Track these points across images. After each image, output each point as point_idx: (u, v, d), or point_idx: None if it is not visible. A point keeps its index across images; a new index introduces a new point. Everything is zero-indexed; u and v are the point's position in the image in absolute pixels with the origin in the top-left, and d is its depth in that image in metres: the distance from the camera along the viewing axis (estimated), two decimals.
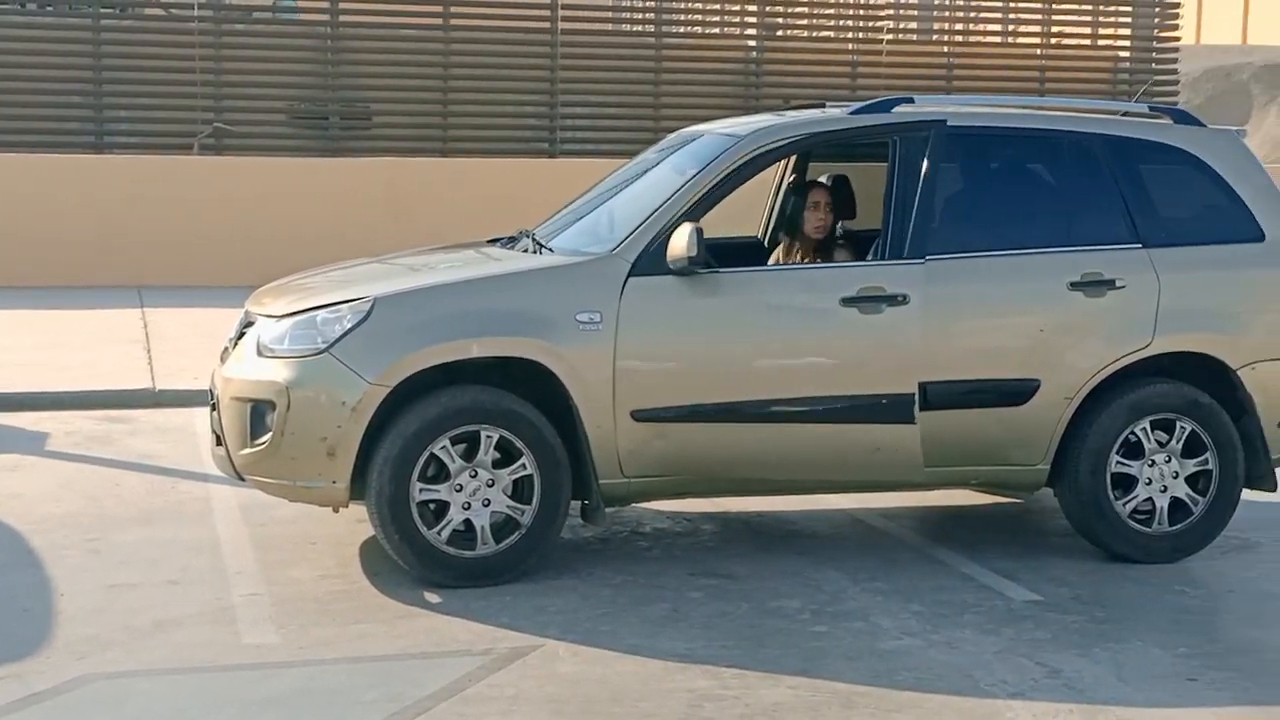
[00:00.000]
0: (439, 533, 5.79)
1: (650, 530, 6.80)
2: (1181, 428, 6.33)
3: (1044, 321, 6.25)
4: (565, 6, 17.68)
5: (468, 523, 5.82)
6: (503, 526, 5.87)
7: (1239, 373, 6.38)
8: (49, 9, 17.25)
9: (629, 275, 5.93)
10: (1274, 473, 6.53)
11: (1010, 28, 20.21)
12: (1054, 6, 19.51)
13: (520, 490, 5.86)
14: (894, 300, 6.08)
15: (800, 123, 6.53)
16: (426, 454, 5.74)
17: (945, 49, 19.49)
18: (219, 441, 6.11)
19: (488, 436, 5.79)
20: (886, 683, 4.94)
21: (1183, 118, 6.83)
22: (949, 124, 6.37)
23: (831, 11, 19.31)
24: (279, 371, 5.80)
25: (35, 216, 14.64)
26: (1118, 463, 6.29)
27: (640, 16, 20.25)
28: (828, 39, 19.24)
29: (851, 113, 6.55)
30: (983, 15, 20.36)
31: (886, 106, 6.49)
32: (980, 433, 6.21)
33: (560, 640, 5.28)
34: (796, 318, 6.15)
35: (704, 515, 7.03)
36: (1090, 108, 7.61)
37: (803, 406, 6.02)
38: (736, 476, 6.19)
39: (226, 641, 5.26)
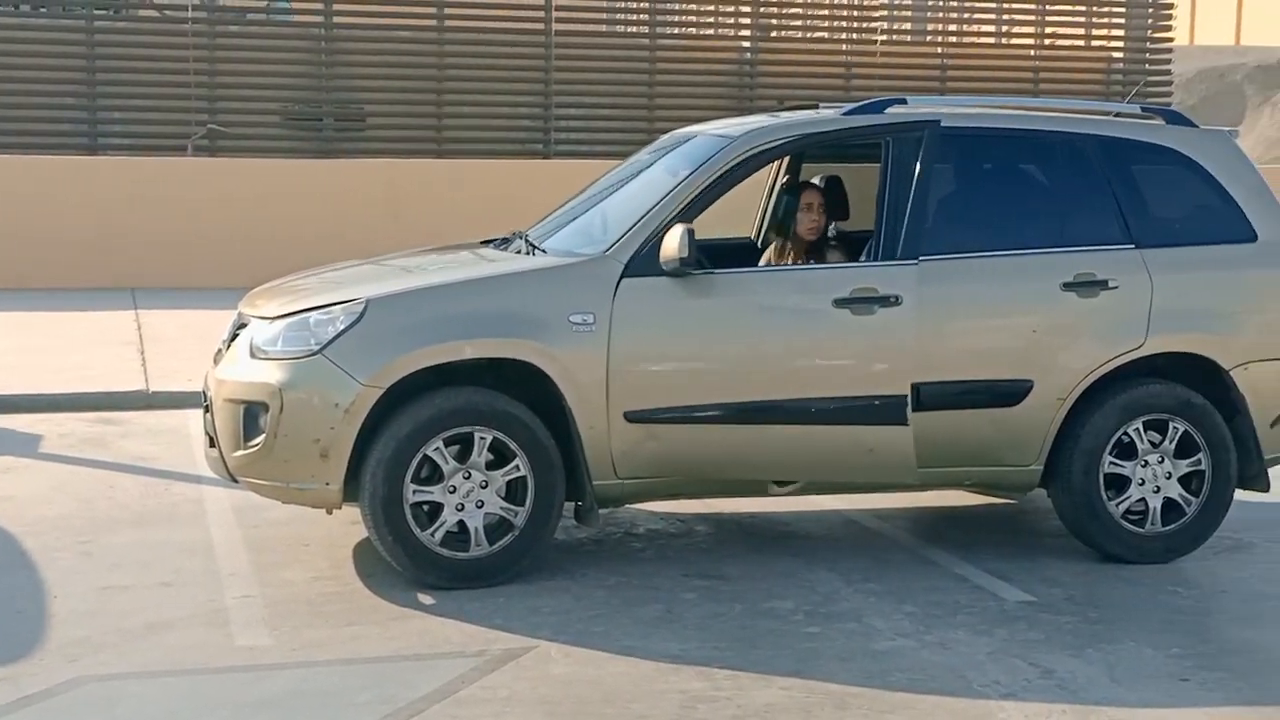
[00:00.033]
0: (432, 534, 5.79)
1: (644, 531, 6.80)
2: (1174, 428, 6.33)
3: (1037, 322, 6.25)
4: (559, 8, 17.70)
5: (461, 524, 5.82)
6: (496, 528, 5.86)
7: (1232, 373, 6.38)
8: (43, 10, 17.24)
9: (622, 276, 5.93)
10: (1267, 473, 6.54)
11: (1004, 29, 20.26)
12: (1048, 7, 19.54)
13: (514, 492, 5.86)
14: (887, 301, 6.08)
15: (794, 124, 6.53)
16: (420, 455, 5.73)
17: (939, 50, 19.52)
18: (212, 443, 6.10)
19: (481, 438, 5.79)
20: (879, 683, 4.94)
21: (1175, 118, 6.84)
22: (942, 125, 6.37)
23: (825, 12, 19.34)
24: (272, 373, 5.80)
25: (32, 217, 14.55)
26: (1111, 463, 6.30)
27: (634, 18, 20.26)
28: (822, 40, 19.27)
29: (845, 114, 6.55)
30: (976, 16, 20.39)
31: (880, 107, 6.49)
32: (973, 433, 6.21)
33: (553, 641, 5.28)
34: (789, 319, 6.15)
35: (697, 516, 7.03)
36: (1083, 108, 7.60)
37: (796, 408, 6.02)
38: (730, 477, 6.19)
39: (219, 643, 5.25)
